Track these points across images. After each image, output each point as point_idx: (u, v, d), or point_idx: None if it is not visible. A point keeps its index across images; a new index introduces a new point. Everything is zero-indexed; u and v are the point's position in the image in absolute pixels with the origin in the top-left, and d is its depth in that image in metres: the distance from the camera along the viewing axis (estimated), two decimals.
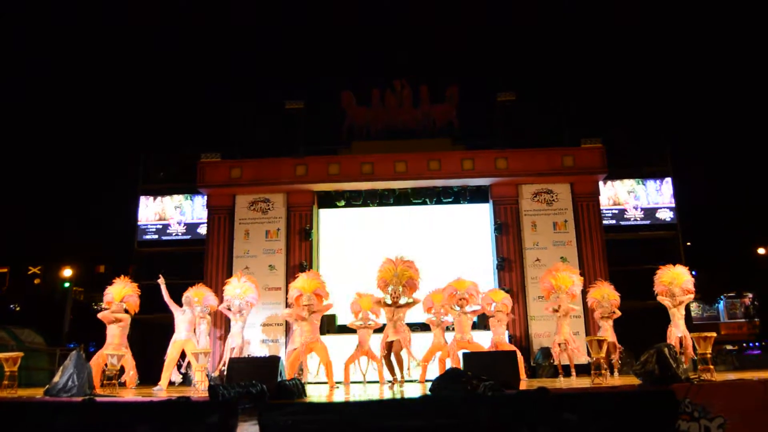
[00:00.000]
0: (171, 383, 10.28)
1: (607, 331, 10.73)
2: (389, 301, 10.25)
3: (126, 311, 10.40)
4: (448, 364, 10.12)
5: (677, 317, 10.35)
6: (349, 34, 30.66)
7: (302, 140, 14.69)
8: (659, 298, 10.65)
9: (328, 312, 10.86)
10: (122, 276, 10.94)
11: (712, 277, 25.68)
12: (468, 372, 6.45)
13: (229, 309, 11.10)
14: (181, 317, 10.30)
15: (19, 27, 30.24)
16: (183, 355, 10.42)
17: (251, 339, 12.73)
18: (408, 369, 10.36)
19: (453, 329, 10.52)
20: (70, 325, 20.59)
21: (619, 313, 10.96)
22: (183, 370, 10.57)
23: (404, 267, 10.22)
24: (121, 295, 10.47)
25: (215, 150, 14.33)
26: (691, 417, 5.41)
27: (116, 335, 10.10)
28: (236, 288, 11.05)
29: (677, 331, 10.25)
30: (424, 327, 11.74)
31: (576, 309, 11.25)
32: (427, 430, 5.12)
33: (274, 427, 5.02)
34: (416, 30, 30.54)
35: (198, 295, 10.68)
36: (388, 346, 10.30)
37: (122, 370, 9.62)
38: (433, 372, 10.13)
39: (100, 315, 10.38)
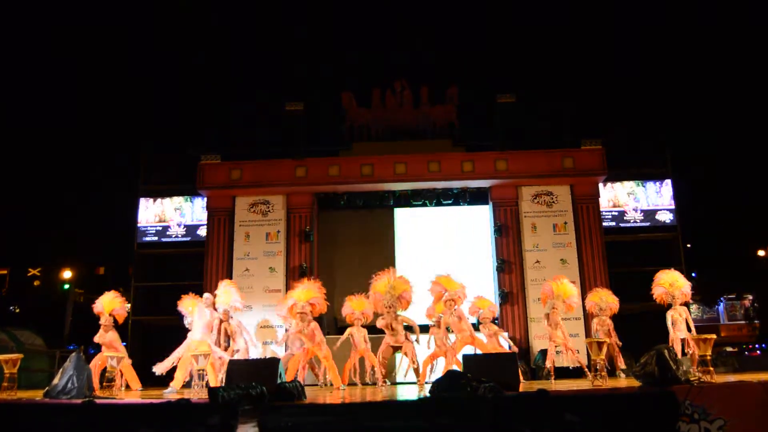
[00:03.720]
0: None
1: (606, 334, 10.67)
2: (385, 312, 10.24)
3: (115, 322, 10.42)
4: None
5: (679, 320, 10.31)
6: (349, 34, 30.69)
7: (302, 141, 14.64)
8: (658, 297, 10.58)
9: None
10: (116, 291, 10.90)
11: (712, 279, 25.66)
12: (468, 374, 6.43)
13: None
14: (197, 319, 10.14)
15: (19, 26, 30.26)
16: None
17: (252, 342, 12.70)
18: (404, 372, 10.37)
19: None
20: (69, 327, 20.55)
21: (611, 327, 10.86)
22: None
23: (399, 281, 10.03)
24: (110, 307, 10.46)
25: (215, 151, 14.32)
26: (691, 419, 5.42)
27: (112, 339, 10.15)
28: (220, 296, 10.86)
29: (680, 333, 10.20)
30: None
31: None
32: (427, 431, 5.12)
33: (274, 429, 5.02)
34: (416, 30, 30.52)
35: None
36: (388, 351, 10.27)
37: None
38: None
39: (96, 339, 10.42)
